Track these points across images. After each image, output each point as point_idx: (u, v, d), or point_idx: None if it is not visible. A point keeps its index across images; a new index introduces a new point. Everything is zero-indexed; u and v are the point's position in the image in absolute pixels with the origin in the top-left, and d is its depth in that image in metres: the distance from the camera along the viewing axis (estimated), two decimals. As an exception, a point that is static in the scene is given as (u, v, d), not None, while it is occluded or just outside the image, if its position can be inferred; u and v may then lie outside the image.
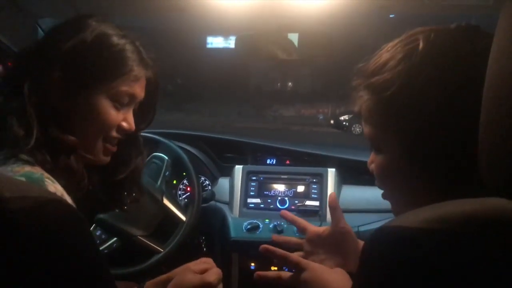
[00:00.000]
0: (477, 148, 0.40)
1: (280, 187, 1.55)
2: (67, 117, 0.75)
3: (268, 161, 1.71)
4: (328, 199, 0.89)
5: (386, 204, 0.67)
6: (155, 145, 1.53)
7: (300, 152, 1.69)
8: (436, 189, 0.56)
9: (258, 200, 1.54)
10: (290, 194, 1.54)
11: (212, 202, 1.57)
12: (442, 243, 0.35)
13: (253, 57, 1.74)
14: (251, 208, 1.53)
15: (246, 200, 1.55)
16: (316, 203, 1.50)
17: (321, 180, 1.53)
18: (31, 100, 0.72)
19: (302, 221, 0.94)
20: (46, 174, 0.68)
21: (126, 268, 1.31)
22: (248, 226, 1.44)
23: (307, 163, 1.65)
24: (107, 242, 1.36)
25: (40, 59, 0.75)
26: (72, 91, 0.74)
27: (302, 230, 0.92)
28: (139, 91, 0.81)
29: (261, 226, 1.45)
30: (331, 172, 1.54)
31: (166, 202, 1.42)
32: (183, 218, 1.41)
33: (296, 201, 1.52)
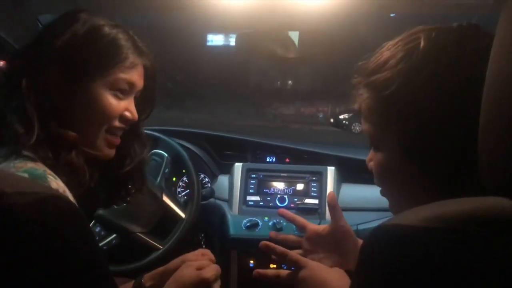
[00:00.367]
0: (477, 148, 0.40)
1: (279, 185, 1.55)
2: (67, 112, 0.75)
3: (267, 159, 1.72)
4: (327, 197, 0.89)
5: (386, 203, 0.67)
6: (154, 142, 1.52)
7: (299, 150, 1.70)
8: (435, 188, 0.56)
9: (257, 198, 1.54)
10: (290, 192, 1.54)
11: (212, 200, 1.57)
12: (441, 241, 0.35)
13: (253, 55, 1.74)
14: (251, 205, 1.53)
15: (246, 197, 1.55)
16: (316, 201, 1.50)
17: (321, 178, 1.53)
18: (30, 97, 0.72)
19: (301, 219, 0.93)
20: (48, 171, 0.68)
21: (125, 265, 1.31)
22: (248, 224, 1.44)
23: (307, 161, 1.66)
24: (106, 238, 1.36)
25: (35, 56, 0.75)
26: (70, 85, 0.75)
27: (301, 228, 0.92)
28: (137, 78, 0.81)
29: (260, 223, 1.45)
30: (331, 171, 1.54)
31: (165, 199, 1.42)
32: (183, 215, 1.41)
33: (296, 199, 1.52)
